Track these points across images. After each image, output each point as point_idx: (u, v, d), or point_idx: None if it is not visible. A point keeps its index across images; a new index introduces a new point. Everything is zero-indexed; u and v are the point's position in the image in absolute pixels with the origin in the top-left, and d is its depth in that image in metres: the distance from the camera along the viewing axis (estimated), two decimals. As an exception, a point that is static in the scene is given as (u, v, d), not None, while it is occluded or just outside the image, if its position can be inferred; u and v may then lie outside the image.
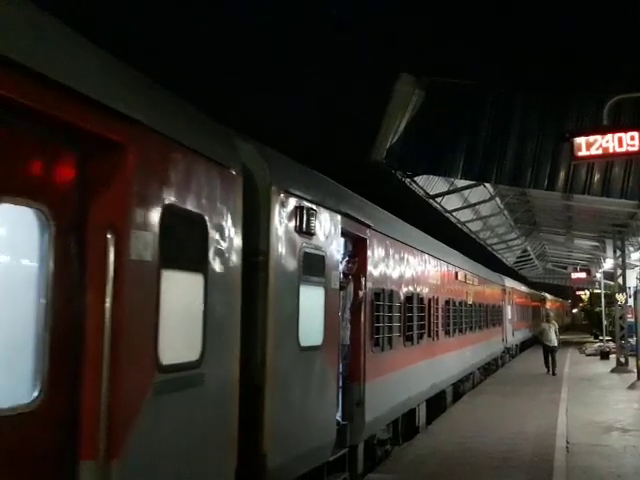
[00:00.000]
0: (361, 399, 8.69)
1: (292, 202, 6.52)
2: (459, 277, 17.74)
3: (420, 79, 17.35)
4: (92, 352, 3.70)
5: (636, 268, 30.18)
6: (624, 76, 13.20)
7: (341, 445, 7.97)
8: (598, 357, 31.02)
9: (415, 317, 12.01)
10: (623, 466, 9.99)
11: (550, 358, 24.69)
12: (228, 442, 5.10)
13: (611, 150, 10.13)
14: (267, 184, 6.04)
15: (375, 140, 17.82)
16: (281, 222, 6.26)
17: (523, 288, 39.88)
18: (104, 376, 3.63)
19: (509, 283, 31.78)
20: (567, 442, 11.60)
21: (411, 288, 11.86)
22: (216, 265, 4.97)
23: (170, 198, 4.37)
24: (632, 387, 19.26)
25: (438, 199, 25.06)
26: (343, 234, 8.10)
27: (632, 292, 27.12)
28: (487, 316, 23.31)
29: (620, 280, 29.05)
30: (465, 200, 27.27)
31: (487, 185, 24.62)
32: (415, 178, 22.16)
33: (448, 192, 25.08)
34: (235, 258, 5.27)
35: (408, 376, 11.52)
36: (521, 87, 15.58)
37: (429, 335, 13.37)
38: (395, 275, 10.82)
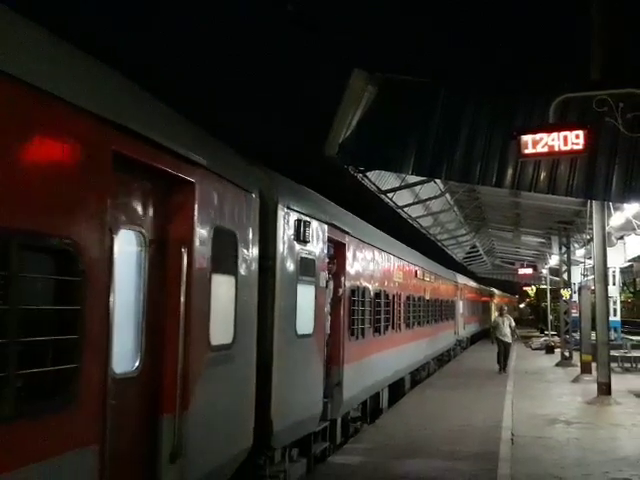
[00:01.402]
0: (340, 380, 10.38)
1: (293, 216, 8.13)
2: (418, 275, 19.54)
3: (373, 75, 17.37)
4: (171, 334, 5.14)
5: (581, 264, 31.00)
6: (571, 75, 13.49)
7: (323, 419, 9.67)
8: (543, 351, 31.91)
9: (382, 311, 13.66)
10: (566, 458, 10.27)
11: (503, 355, 23.74)
12: (249, 407, 6.76)
13: (557, 148, 10.37)
14: (274, 203, 7.57)
15: (328, 135, 17.80)
16: (284, 232, 7.83)
17: (473, 284, 41.60)
18: (180, 352, 5.10)
19: (461, 279, 33.56)
20: (512, 434, 11.86)
21: (379, 285, 13.53)
22: (242, 269, 6.48)
23: (217, 221, 5.87)
24: (576, 380, 19.80)
25: (390, 194, 25.21)
26: (328, 240, 9.68)
27: (577, 288, 27.75)
28: (441, 310, 25.10)
29: (565, 276, 29.83)
30: (416, 196, 27.61)
31: (438, 181, 24.87)
32: (367, 173, 22.20)
33: (399, 188, 25.33)
34: (254, 263, 6.83)
35: (376, 363, 13.11)
36: (472, 84, 15.74)
37: (392, 327, 15.06)
38: (367, 274, 12.50)
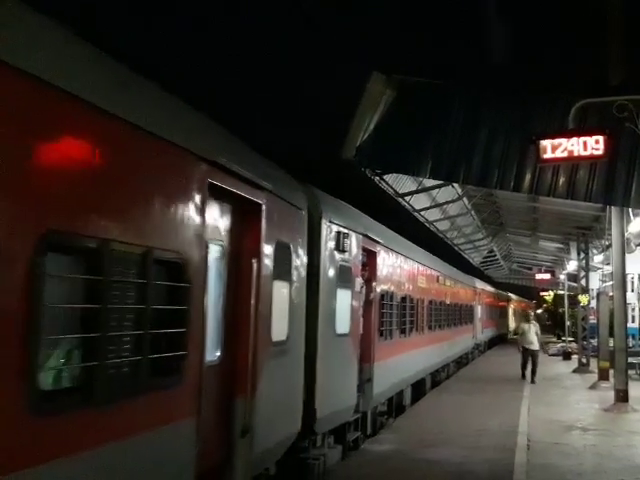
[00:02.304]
0: (371, 376, 11.57)
1: (334, 229, 9.28)
2: (439, 280, 20.76)
3: (391, 78, 17.40)
4: (244, 330, 6.30)
5: (599, 270, 30.76)
6: (591, 81, 13.44)
7: (356, 411, 10.90)
8: (560, 357, 31.62)
9: (407, 314, 14.89)
10: (583, 464, 10.32)
11: (531, 363, 22.62)
12: (299, 396, 7.96)
13: (576, 153, 10.30)
14: (319, 218, 8.73)
15: (345, 138, 17.85)
16: (327, 243, 8.97)
17: (491, 289, 42.70)
18: (250, 346, 6.24)
19: (479, 285, 34.67)
20: (528, 440, 11.85)
21: (404, 290, 14.79)
22: (294, 276, 7.64)
23: (278, 235, 7.03)
24: (593, 387, 19.77)
25: (407, 198, 25.19)
26: (362, 249, 10.91)
27: (595, 294, 27.54)
28: (460, 315, 26.23)
29: (583, 282, 29.60)
30: (433, 199, 27.57)
31: (455, 185, 24.84)
32: (384, 177, 22.23)
33: (417, 191, 25.31)
34: (303, 270, 8.00)
35: (401, 362, 14.29)
36: (490, 88, 15.74)
37: (416, 329, 16.29)
38: (394, 280, 13.76)
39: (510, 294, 58.38)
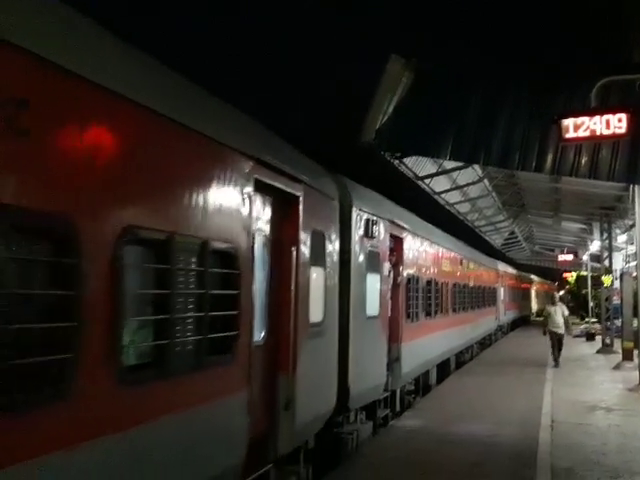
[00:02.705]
0: (399, 356, 12.17)
1: (363, 216, 9.82)
2: (463, 263, 21.36)
3: (410, 61, 17.31)
4: (285, 313, 6.93)
5: (622, 250, 30.56)
6: (613, 58, 13.29)
7: (385, 389, 11.53)
8: (584, 338, 31.50)
9: (432, 297, 15.46)
10: (607, 444, 10.39)
11: (557, 346, 21.90)
12: (334, 374, 8.57)
13: (598, 132, 10.34)
14: (350, 206, 9.28)
15: (364, 121, 17.81)
16: (357, 230, 9.52)
17: (513, 271, 43.03)
18: (291, 327, 6.86)
19: (501, 267, 35.10)
20: (552, 421, 11.89)
21: (429, 274, 15.35)
22: (328, 262, 8.22)
23: (313, 225, 7.61)
24: (617, 368, 19.79)
25: (427, 180, 25.10)
26: (389, 235, 11.49)
27: (618, 274, 27.35)
28: (484, 297, 26.78)
29: (606, 262, 29.40)
30: (454, 182, 27.45)
31: (476, 167, 24.72)
32: (404, 159, 22.17)
33: (437, 174, 25.25)
34: (336, 256, 8.58)
35: (427, 343, 14.82)
36: (510, 69, 15.61)
37: (441, 311, 16.89)
38: (420, 264, 14.36)
39: (532, 276, 58.12)
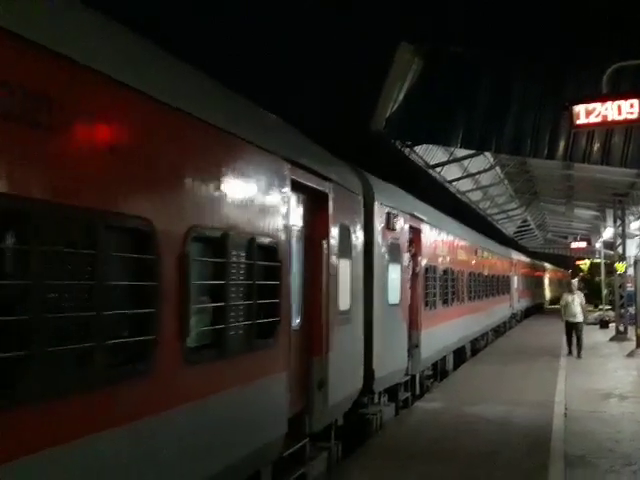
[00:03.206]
0: (418, 342, 12.87)
1: (384, 210, 10.51)
2: (477, 252, 22.11)
3: (419, 48, 17.22)
4: (317, 301, 7.72)
5: (636, 237, 30.64)
6: (623, 43, 13.17)
7: (406, 373, 12.29)
8: (597, 326, 31.33)
9: (449, 285, 16.24)
10: (621, 432, 10.44)
11: (575, 337, 20.87)
12: (360, 358, 9.39)
13: (610, 118, 10.20)
14: (372, 201, 9.95)
15: (374, 109, 17.78)
16: (379, 223, 10.22)
17: (527, 259, 43.56)
18: (323, 314, 7.71)
19: (515, 256, 35.68)
20: (565, 408, 11.88)
21: (446, 263, 16.04)
22: (354, 254, 8.97)
23: (341, 219, 8.37)
24: (631, 355, 19.84)
25: (438, 169, 25.01)
26: (409, 227, 12.22)
27: (632, 261, 27.20)
28: (498, 285, 27.37)
29: (620, 249, 29.30)
30: (465, 170, 27.40)
31: (487, 154, 24.64)
32: (415, 148, 22.12)
33: (448, 162, 25.19)
34: (360, 248, 9.31)
35: (444, 330, 15.50)
36: (520, 54, 15.53)
37: (457, 300, 17.62)
38: (437, 254, 15.05)
39: (545, 264, 57.90)
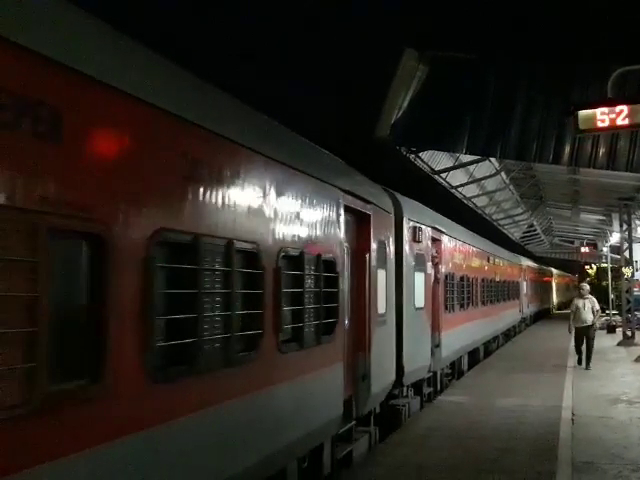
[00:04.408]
0: (439, 342, 14.25)
1: (411, 224, 12.09)
2: (490, 260, 23.67)
3: (424, 54, 17.24)
4: (362, 305, 9.15)
5: (643, 241, 30.11)
6: (629, 47, 13.13)
7: (429, 371, 13.72)
8: (605, 331, 31.23)
9: (465, 291, 17.74)
10: (629, 437, 10.48)
11: (586, 346, 19.16)
12: (393, 354, 10.86)
13: (616, 123, 10.07)
14: (401, 217, 11.49)
15: (379, 116, 17.76)
16: (407, 237, 11.75)
17: (535, 265, 44.95)
18: (367, 316, 9.17)
19: (524, 262, 37.09)
20: (573, 414, 11.82)
21: (462, 270, 17.52)
22: (388, 264, 10.48)
23: (379, 235, 9.91)
24: (638, 360, 19.45)
25: (443, 175, 24.96)
26: (431, 239, 13.77)
27: (639, 265, 27.00)
28: (509, 290, 28.69)
29: (627, 254, 29.08)
30: (470, 175, 27.40)
31: (492, 160, 24.67)
32: (420, 154, 22.15)
33: (453, 167, 25.23)
34: (393, 259, 10.80)
35: (461, 332, 16.92)
36: (524, 59, 15.49)
37: (472, 304, 19.04)
38: (455, 262, 16.61)
39: (552, 269, 57.78)
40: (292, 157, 7.06)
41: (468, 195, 30.39)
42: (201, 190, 5.14)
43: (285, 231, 6.71)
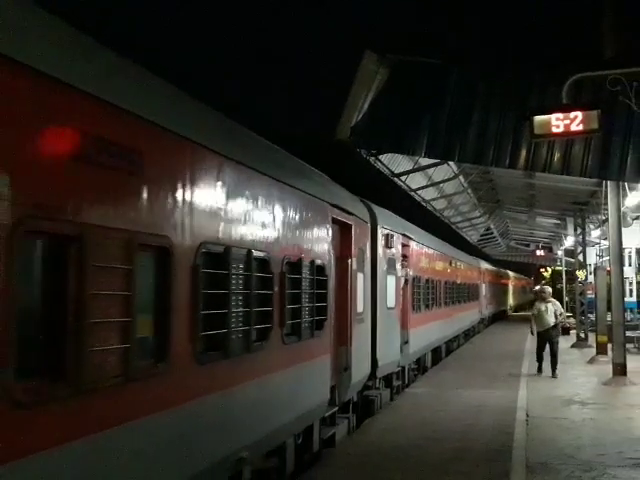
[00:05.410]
0: (407, 339, 15.53)
1: (384, 232, 13.27)
2: (452, 263, 24.94)
3: (384, 57, 17.32)
4: (345, 304, 10.42)
5: (596, 245, 30.88)
6: (584, 54, 13.39)
7: (398, 365, 14.98)
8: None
9: (430, 292, 18.98)
10: (581, 438, 10.68)
11: (550, 351, 18.45)
12: (369, 349, 12.10)
13: (570, 129, 10.24)
14: (376, 225, 12.74)
15: (339, 118, 17.80)
16: (380, 243, 12.97)
17: (493, 268, 46.71)
18: (349, 314, 10.51)
19: (483, 265, 38.59)
20: (527, 415, 11.99)
21: (427, 273, 18.79)
22: (365, 268, 11.71)
23: (359, 243, 11.19)
24: (591, 362, 20.38)
25: (403, 177, 25.14)
26: (401, 244, 15.07)
27: (592, 269, 27.65)
28: (469, 292, 30.07)
29: (581, 257, 29.81)
30: (429, 179, 27.70)
31: (451, 163, 24.93)
32: (380, 157, 22.21)
33: (412, 170, 25.40)
34: (369, 264, 12.00)
35: (427, 330, 18.18)
36: (484, 65, 15.67)
37: (436, 305, 20.25)
38: (421, 266, 17.90)
39: (509, 272, 58.68)
40: (293, 178, 8.47)
41: (427, 198, 30.67)
42: (231, 210, 6.56)
43: (288, 241, 8.16)
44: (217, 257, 6.18)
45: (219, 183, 6.34)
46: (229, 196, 6.53)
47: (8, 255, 3.61)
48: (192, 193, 5.78)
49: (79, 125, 4.31)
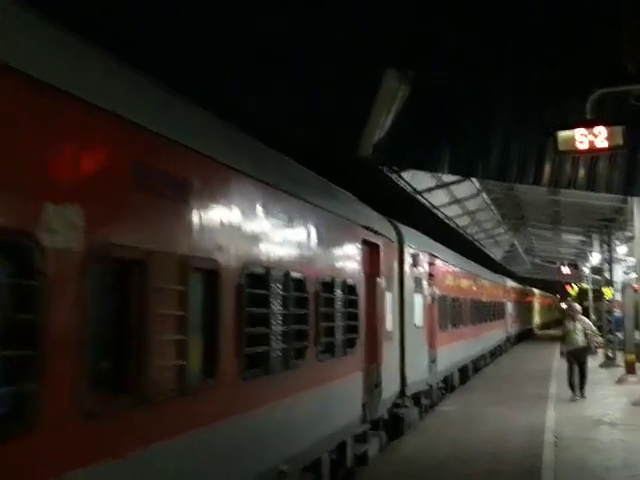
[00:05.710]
0: (435, 358, 15.68)
1: (411, 251, 13.53)
2: (477, 282, 25.42)
3: (406, 74, 17.34)
4: (374, 323, 10.70)
5: (623, 262, 30.35)
6: (608, 70, 13.30)
7: (426, 383, 15.37)
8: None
9: (456, 311, 19.33)
10: (611, 459, 10.52)
11: (578, 371, 17.86)
12: (397, 367, 12.36)
13: (595, 145, 10.11)
14: (402, 245, 12.97)
15: (361, 136, 17.81)
16: (407, 262, 13.22)
17: (519, 286, 47.30)
18: (378, 332, 10.85)
19: (508, 283, 39.17)
20: (555, 437, 11.79)
21: (454, 292, 19.19)
22: (393, 286, 12.15)
23: (387, 262, 11.57)
24: (620, 381, 20.04)
25: (425, 195, 24.99)
26: (427, 263, 15.38)
27: (619, 286, 27.20)
28: (495, 311, 30.43)
29: (607, 274, 29.31)
30: (452, 196, 27.42)
31: (474, 180, 24.68)
32: (402, 174, 22.13)
33: (435, 187, 25.13)
34: (396, 282, 12.40)
35: (453, 349, 18.45)
36: (507, 80, 15.61)
37: (463, 324, 20.54)
38: (447, 284, 18.22)
39: (535, 289, 58.13)
40: (327, 202, 8.96)
41: (450, 215, 30.50)
42: (271, 233, 7.02)
43: (323, 262, 8.64)
44: (259, 278, 6.58)
45: (260, 209, 6.75)
46: (269, 220, 6.96)
47: (82, 279, 4.02)
48: (236, 218, 6.19)
49: (145, 161, 4.78)
